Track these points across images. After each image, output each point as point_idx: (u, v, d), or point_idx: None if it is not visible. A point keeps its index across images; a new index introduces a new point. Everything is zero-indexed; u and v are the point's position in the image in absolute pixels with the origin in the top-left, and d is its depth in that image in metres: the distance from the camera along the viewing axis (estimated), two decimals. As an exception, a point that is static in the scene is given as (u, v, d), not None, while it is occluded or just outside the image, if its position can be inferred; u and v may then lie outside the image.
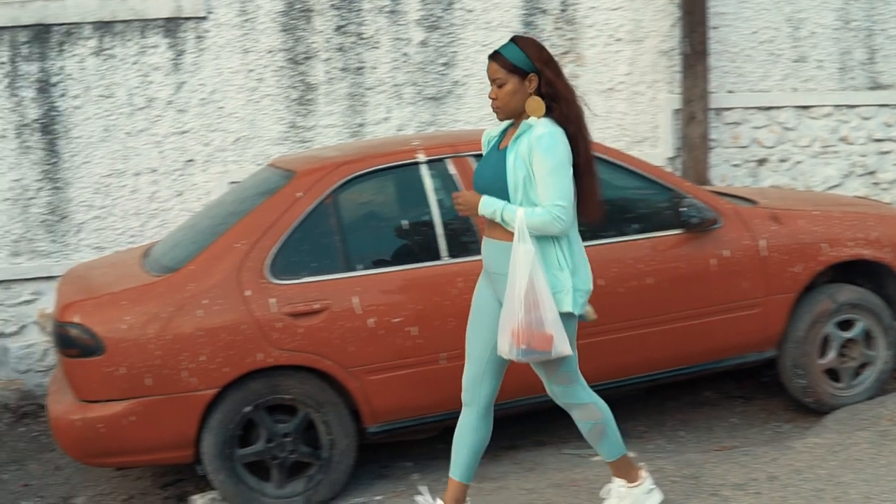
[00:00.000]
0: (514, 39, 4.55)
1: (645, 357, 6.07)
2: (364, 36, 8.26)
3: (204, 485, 5.93)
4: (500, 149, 4.62)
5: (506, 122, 4.69)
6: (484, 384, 4.80)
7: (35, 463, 6.94)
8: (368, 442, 5.82)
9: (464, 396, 4.86)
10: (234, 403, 5.48)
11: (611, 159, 6.03)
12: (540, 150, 4.37)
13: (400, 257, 5.81)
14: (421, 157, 5.88)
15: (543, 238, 4.44)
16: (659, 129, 8.75)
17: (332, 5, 8.23)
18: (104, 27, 7.98)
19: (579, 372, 4.71)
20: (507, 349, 4.50)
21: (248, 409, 5.51)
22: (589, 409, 4.75)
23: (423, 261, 5.76)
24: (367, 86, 8.33)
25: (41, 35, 7.93)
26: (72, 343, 5.43)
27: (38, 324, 8.04)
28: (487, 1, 8.45)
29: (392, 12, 8.29)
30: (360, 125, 8.34)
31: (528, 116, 4.49)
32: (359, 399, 5.61)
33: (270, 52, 8.16)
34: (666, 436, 6.52)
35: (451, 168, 5.86)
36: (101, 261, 6.95)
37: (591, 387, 4.78)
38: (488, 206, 4.53)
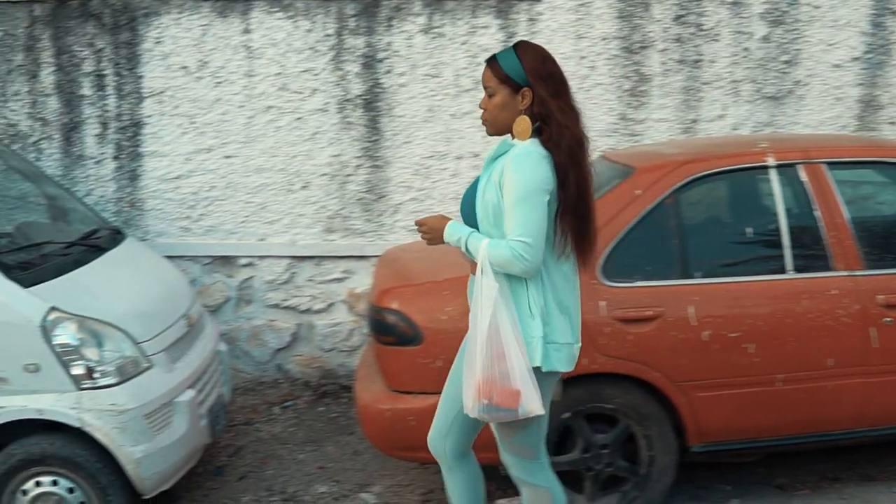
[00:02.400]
0: (516, 46, 4.12)
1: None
2: (704, 27, 8.00)
3: (506, 486, 5.88)
4: None
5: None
6: (449, 437, 4.55)
7: (332, 445, 7.05)
8: (685, 460, 5.64)
9: (431, 450, 4.64)
10: (553, 409, 5.35)
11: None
12: (510, 173, 3.94)
13: (741, 267, 5.57)
14: (770, 161, 5.62)
15: (515, 277, 4.05)
16: None
17: (673, -7, 8.04)
18: (435, 4, 8.01)
19: (544, 447, 4.38)
20: (469, 404, 4.13)
21: (566, 415, 5.42)
22: (542, 495, 4.41)
23: (765, 273, 5.52)
24: (703, 80, 8.07)
25: (370, 9, 8.04)
26: (388, 330, 5.45)
27: (347, 303, 8.17)
28: (836, -3, 8.07)
29: (735, 4, 8.00)
30: (694, 121, 8.09)
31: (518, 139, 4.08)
32: (685, 415, 5.43)
33: (605, 39, 8.01)
34: None
35: (803, 175, 5.59)
36: (415, 245, 6.95)
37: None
38: (453, 233, 4.17)
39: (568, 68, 7.74)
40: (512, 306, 4.01)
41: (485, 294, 3.98)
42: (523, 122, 4.02)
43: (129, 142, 8.23)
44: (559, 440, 5.50)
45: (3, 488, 5.26)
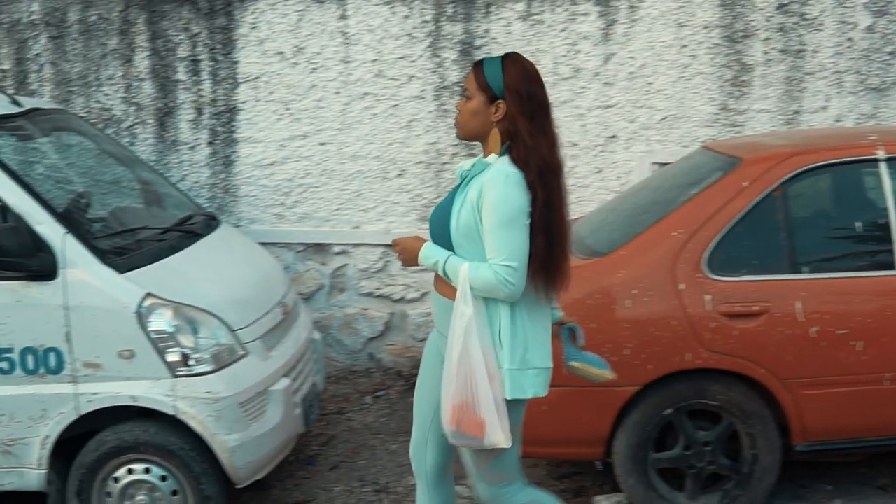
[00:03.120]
0: (505, 56, 4.00)
1: None
2: (807, 17, 7.83)
3: (602, 482, 5.86)
4: None
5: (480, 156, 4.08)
6: (428, 452, 4.46)
7: (425, 437, 6.97)
8: (787, 459, 5.52)
9: (413, 466, 4.55)
10: (654, 404, 5.31)
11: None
12: (489, 196, 3.82)
13: (849, 263, 5.43)
14: (881, 154, 5.47)
15: (490, 305, 3.93)
16: None
17: (777, -19, 7.88)
18: (534, -10, 7.96)
19: (519, 471, 4.25)
20: (445, 427, 4.04)
21: (668, 411, 5.33)
22: None
23: (875, 269, 5.38)
24: (806, 70, 7.90)
25: (469, -5, 8.00)
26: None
27: (440, 293, 8.09)
28: (945, -14, 7.86)
29: (839, -8, 7.85)
30: (796, 112, 7.93)
31: (490, 152, 3.98)
32: (790, 413, 5.31)
33: (706, 27, 7.86)
34: None
35: (914, 168, 5.44)
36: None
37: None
38: (429, 255, 4.03)
39: (668, 57, 7.76)
40: (486, 334, 3.90)
41: (458, 321, 3.89)
42: (494, 135, 3.95)
43: (223, 127, 8.26)
44: (660, 437, 5.42)
45: (94, 475, 5.29)
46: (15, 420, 5.24)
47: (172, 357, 5.10)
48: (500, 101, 3.89)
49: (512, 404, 3.97)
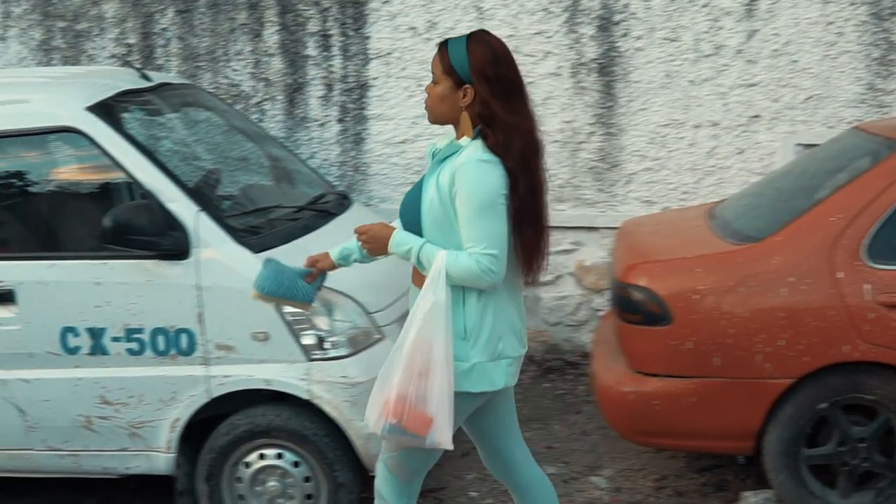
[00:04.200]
0: (470, 36, 3.80)
1: None
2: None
3: (744, 475, 5.69)
4: None
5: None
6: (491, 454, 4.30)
7: (559, 424, 6.86)
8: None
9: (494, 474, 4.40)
10: (808, 398, 5.07)
11: None
12: (463, 182, 3.65)
13: None
14: None
15: (456, 297, 3.74)
16: None
17: (937, -49, 7.52)
18: (677, -37, 7.72)
19: (420, 476, 4.08)
20: (373, 419, 3.83)
21: (823, 405, 5.09)
22: None
23: None
24: (963, 47, 7.55)
25: (608, -30, 7.80)
26: (635, 308, 5.23)
27: (575, 276, 7.97)
28: None
29: None
30: (947, 93, 7.58)
31: (462, 135, 3.79)
32: (953, 410, 5.06)
33: (853, 4, 7.53)
34: None
35: None
36: (655, 218, 6.74)
37: None
38: (401, 243, 3.84)
39: (813, 34, 7.46)
40: (450, 326, 3.72)
41: (425, 309, 3.71)
42: (465, 120, 3.78)
43: (354, 104, 8.18)
44: (813, 432, 5.19)
45: (225, 459, 5.20)
46: (144, 402, 5.18)
47: (308, 340, 4.98)
48: (467, 85, 3.73)
49: (467, 397, 3.82)
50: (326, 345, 5.01)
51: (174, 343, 5.08)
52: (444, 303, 3.69)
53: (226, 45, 8.33)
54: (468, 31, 3.87)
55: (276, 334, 4.98)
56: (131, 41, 8.57)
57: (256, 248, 5.06)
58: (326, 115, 8.22)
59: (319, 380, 4.98)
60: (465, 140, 3.78)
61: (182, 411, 5.15)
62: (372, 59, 8.09)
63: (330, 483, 5.10)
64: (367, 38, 8.08)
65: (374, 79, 8.10)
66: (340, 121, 8.21)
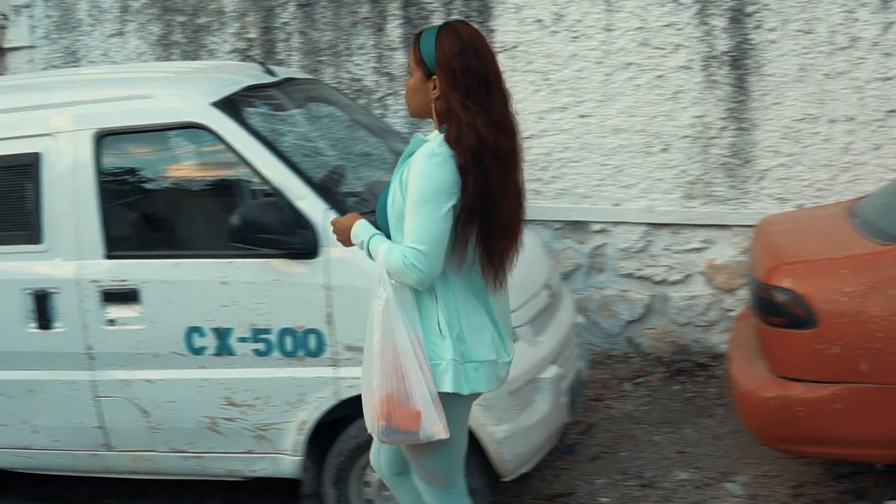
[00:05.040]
0: (441, 27, 3.74)
1: None
2: None
3: (884, 483, 5.55)
4: None
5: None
6: (382, 451, 4.26)
7: (690, 428, 6.71)
8: None
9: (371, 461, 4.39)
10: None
11: None
12: (412, 173, 3.63)
13: None
14: None
15: (419, 292, 3.72)
16: None
17: None
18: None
19: (460, 475, 4.06)
20: (370, 426, 3.86)
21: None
22: None
23: None
24: None
25: (742, -40, 7.61)
26: (778, 310, 5.08)
27: (705, 275, 7.81)
28: None
29: None
30: None
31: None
32: None
33: None
34: None
35: None
36: (792, 216, 6.56)
37: None
38: (358, 234, 3.86)
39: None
40: (417, 322, 3.72)
41: (376, 305, 3.72)
42: (434, 113, 3.76)
43: (475, 99, 8.00)
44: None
45: (353, 463, 5.15)
46: (271, 404, 5.15)
47: (440, 341, 4.86)
48: (434, 76, 3.69)
49: (450, 398, 3.75)
50: (459, 347, 4.89)
51: (302, 344, 5.02)
52: (390, 299, 3.67)
53: (348, 40, 8.31)
54: (442, 23, 3.85)
55: None
56: (252, 36, 8.58)
57: None
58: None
59: None
60: (432, 134, 3.77)
61: (309, 413, 5.10)
62: (497, 52, 7.83)
63: (462, 488, 5.00)
64: (493, 31, 7.98)
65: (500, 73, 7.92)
66: (466, 116, 8.05)
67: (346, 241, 3.97)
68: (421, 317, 3.75)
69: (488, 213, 3.68)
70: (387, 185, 3.90)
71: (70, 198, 5.37)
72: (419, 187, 3.61)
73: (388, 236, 3.84)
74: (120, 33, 8.96)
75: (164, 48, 8.89)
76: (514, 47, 7.95)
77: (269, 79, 5.96)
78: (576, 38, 7.85)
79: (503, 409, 4.94)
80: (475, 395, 3.90)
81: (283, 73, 6.30)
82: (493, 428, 4.89)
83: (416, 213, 3.61)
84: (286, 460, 5.21)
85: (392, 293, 3.68)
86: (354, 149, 6.45)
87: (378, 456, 4.30)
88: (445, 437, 3.74)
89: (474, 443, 4.95)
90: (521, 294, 5.28)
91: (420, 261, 3.59)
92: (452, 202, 3.62)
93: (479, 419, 4.87)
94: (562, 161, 7.96)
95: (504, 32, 7.95)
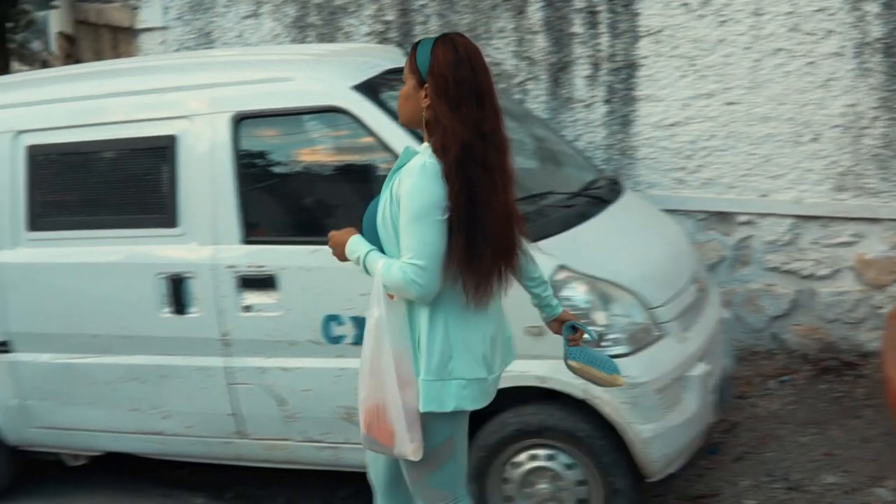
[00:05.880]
0: (439, 38, 3.75)
1: None
2: None
3: None
4: None
5: None
6: (377, 459, 4.21)
7: (837, 429, 6.51)
8: None
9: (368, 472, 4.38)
10: None
11: None
12: (404, 188, 3.63)
13: None
14: None
15: (412, 308, 3.74)
16: None
17: None
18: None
19: (463, 489, 4.02)
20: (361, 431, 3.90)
21: None
22: None
23: None
24: None
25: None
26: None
27: (855, 270, 7.60)
28: None
29: None
30: None
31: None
32: None
33: None
34: None
35: None
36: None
37: None
38: (354, 249, 3.83)
39: None
40: (404, 337, 3.74)
41: (369, 320, 3.76)
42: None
43: (621, 84, 7.94)
44: None
45: (493, 459, 5.05)
46: None
47: (585, 336, 4.71)
48: (426, 85, 3.68)
49: (440, 417, 3.78)
50: (605, 342, 4.80)
51: None
52: (385, 315, 3.70)
53: (487, 23, 8.20)
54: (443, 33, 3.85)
55: None
56: (389, 18, 8.53)
57: (532, 237, 4.85)
58: (593, 96, 8.01)
59: None
60: (423, 146, 3.77)
61: (449, 407, 5.01)
62: (642, 36, 7.84)
63: (605, 489, 4.91)
64: (637, 14, 7.83)
65: (644, 58, 7.85)
66: (607, 102, 7.98)
67: (341, 255, 3.96)
68: (411, 333, 3.77)
69: (473, 226, 3.64)
70: (376, 197, 3.89)
71: (206, 181, 5.37)
72: (413, 203, 3.61)
73: (381, 250, 3.83)
74: (255, 15, 8.95)
75: (300, 30, 8.86)
76: (660, 31, 7.78)
77: (410, 63, 5.87)
78: (723, 22, 7.65)
79: (650, 408, 4.82)
80: (464, 413, 3.90)
81: (423, 56, 6.20)
82: (639, 427, 4.78)
83: (413, 229, 3.62)
84: None
85: (385, 309, 3.71)
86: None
87: (375, 464, 4.30)
88: (414, 459, 3.78)
89: (620, 442, 4.87)
90: (668, 288, 5.21)
91: (420, 276, 3.60)
92: (447, 215, 3.63)
93: (626, 417, 4.78)
94: (707, 150, 7.77)
95: (649, 16, 7.79)
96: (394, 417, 3.72)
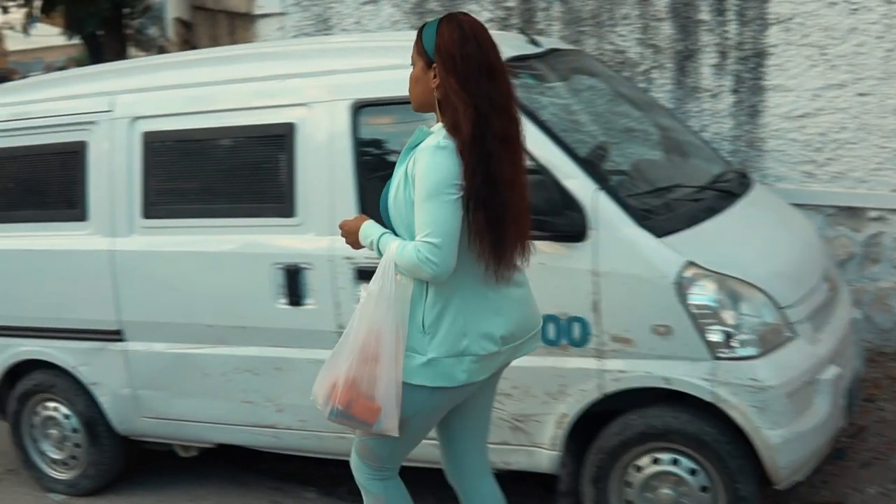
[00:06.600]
0: (444, 17, 3.79)
1: None
2: None
3: None
4: None
5: None
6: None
7: None
8: None
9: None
10: None
11: None
12: (419, 167, 3.68)
13: None
14: None
15: (417, 286, 3.78)
16: None
17: None
18: None
19: (397, 465, 4.18)
20: (320, 400, 3.96)
21: None
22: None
23: None
24: None
25: None
26: None
27: None
28: None
29: None
30: None
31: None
32: None
33: None
34: None
35: None
36: None
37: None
38: (367, 234, 3.92)
39: None
40: (404, 316, 3.79)
41: (372, 296, 3.80)
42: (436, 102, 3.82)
43: (750, 73, 7.79)
44: None
45: (614, 461, 4.92)
46: (530, 394, 5.00)
47: (714, 336, 4.62)
48: (435, 65, 3.73)
49: (422, 392, 3.82)
50: (734, 343, 4.62)
51: (566, 332, 4.84)
52: (387, 292, 3.75)
53: (611, 9, 8.10)
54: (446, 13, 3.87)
55: (679, 328, 4.63)
56: (510, 4, 8.48)
57: (660, 232, 4.74)
58: (720, 85, 7.86)
59: (725, 381, 4.61)
60: (435, 127, 3.80)
61: (570, 406, 4.91)
62: (771, 24, 7.68)
63: (730, 495, 4.73)
64: (766, 1, 7.67)
65: (773, 46, 7.68)
66: (735, 91, 7.83)
67: (354, 243, 4.03)
68: (411, 310, 3.82)
69: (499, 202, 3.70)
70: (389, 179, 3.93)
71: (325, 170, 5.32)
72: (427, 181, 3.65)
73: (394, 233, 3.89)
74: (374, 1, 8.91)
75: (420, 16, 8.79)
76: (790, 19, 7.60)
77: (533, 49, 5.78)
78: (855, 10, 7.46)
79: (779, 412, 4.63)
80: (458, 389, 3.90)
81: (547, 43, 6.13)
82: (768, 432, 4.60)
83: (427, 207, 3.65)
84: (543, 454, 5.04)
85: (391, 285, 3.75)
86: (619, 125, 6.25)
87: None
88: (395, 436, 3.86)
89: (746, 447, 4.71)
90: (799, 287, 5.03)
91: (435, 254, 3.63)
92: (461, 193, 3.66)
93: (755, 422, 4.61)
94: (838, 142, 7.58)
95: (778, 3, 7.61)
96: (383, 395, 3.78)
